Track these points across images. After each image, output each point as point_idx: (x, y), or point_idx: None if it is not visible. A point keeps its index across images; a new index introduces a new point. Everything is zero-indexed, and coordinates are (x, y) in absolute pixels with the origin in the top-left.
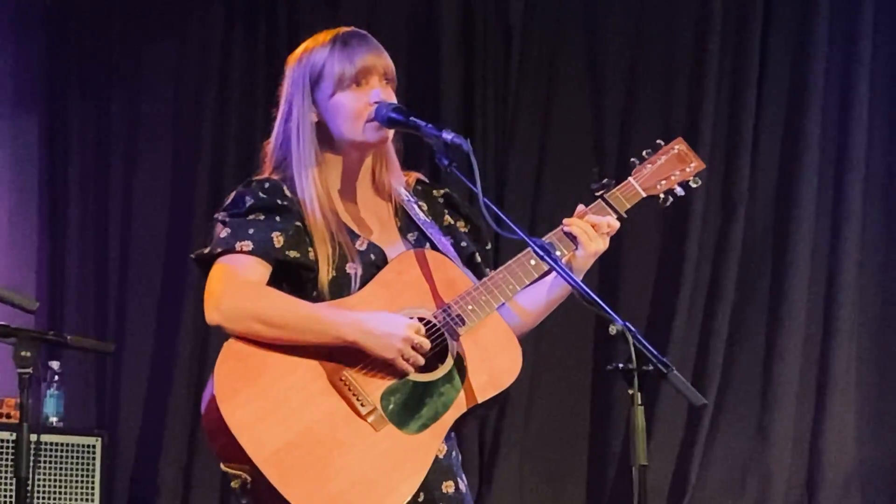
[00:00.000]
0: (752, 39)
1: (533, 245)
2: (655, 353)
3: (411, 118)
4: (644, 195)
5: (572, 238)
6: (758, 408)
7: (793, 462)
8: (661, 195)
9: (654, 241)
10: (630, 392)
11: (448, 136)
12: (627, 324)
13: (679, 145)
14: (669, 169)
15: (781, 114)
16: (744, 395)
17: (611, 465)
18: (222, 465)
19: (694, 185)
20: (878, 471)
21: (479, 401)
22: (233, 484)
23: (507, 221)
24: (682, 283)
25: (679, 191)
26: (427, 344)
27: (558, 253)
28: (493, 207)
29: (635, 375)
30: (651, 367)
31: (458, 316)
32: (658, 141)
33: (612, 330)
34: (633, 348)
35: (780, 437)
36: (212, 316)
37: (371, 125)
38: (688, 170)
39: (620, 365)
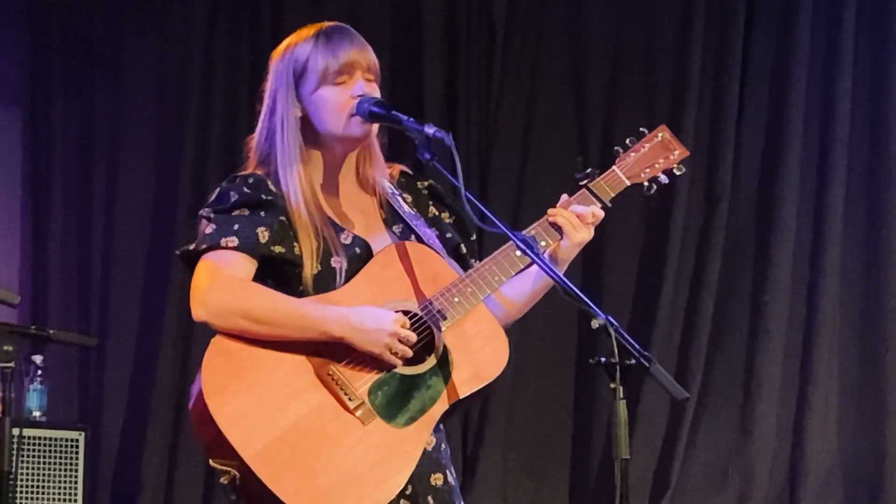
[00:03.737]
0: (735, 34)
1: (515, 239)
2: (637, 347)
3: (393, 112)
4: (628, 183)
5: (557, 228)
6: (740, 401)
7: (775, 455)
8: (646, 183)
9: (637, 236)
10: (612, 386)
11: (430, 130)
12: (610, 318)
13: (663, 133)
14: (653, 157)
15: (764, 108)
16: (726, 388)
17: (594, 459)
18: (211, 461)
19: (678, 173)
20: (860, 464)
21: (466, 393)
22: (222, 479)
23: (490, 215)
24: (665, 277)
25: (663, 178)
26: (413, 337)
27: (543, 244)
28: (475, 202)
29: (617, 369)
30: (633, 362)
31: (444, 308)
32: (641, 129)
33: (595, 324)
34: (615, 342)
35: (763, 430)
36: (198, 312)
37: (354, 120)
38: (672, 157)
39: (603, 359)
